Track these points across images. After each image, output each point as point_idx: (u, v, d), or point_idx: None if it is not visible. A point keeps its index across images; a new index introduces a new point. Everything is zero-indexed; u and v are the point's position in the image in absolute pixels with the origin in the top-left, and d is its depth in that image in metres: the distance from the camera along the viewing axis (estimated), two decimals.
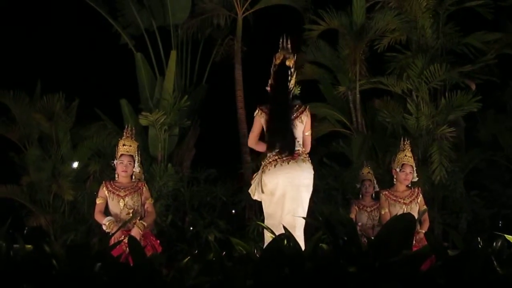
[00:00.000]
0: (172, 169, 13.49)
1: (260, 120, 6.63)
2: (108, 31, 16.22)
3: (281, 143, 6.40)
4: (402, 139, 8.21)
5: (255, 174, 6.72)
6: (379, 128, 14.12)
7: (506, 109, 14.59)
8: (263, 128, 6.70)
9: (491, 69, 13.77)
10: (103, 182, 7.32)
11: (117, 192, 7.07)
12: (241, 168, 14.96)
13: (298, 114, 6.53)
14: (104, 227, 6.91)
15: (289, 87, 6.57)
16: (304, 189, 6.40)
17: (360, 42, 13.84)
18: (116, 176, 7.27)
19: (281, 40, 6.73)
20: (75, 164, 14.36)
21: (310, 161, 6.49)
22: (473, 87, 13.21)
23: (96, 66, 16.85)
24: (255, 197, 6.57)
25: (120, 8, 16.15)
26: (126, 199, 7.04)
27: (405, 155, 7.92)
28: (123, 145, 7.24)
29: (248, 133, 14.93)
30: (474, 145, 14.18)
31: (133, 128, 7.60)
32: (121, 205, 7.01)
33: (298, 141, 6.48)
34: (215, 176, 14.08)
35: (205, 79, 16.41)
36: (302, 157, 6.40)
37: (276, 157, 6.38)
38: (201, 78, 16.43)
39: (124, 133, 7.38)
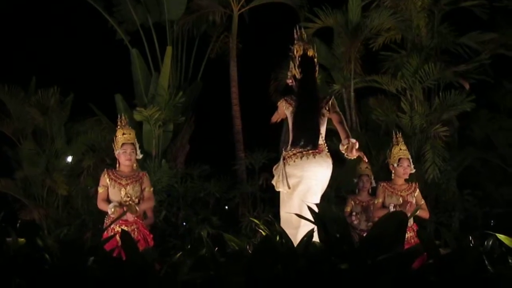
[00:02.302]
0: (166, 165, 13.51)
1: (283, 109, 6.50)
2: (103, 27, 16.22)
3: (307, 137, 6.28)
4: (394, 133, 8.18)
5: (276, 165, 6.49)
6: (373, 127, 14.14)
7: (499, 108, 14.65)
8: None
9: (485, 69, 13.78)
10: (105, 170, 7.25)
11: (119, 181, 7.05)
12: (235, 165, 14.99)
13: (323, 105, 6.44)
14: (110, 212, 6.91)
15: (316, 78, 6.54)
16: (325, 185, 6.35)
17: (355, 40, 13.85)
18: (118, 165, 7.25)
19: (295, 31, 6.62)
20: (69, 159, 14.36)
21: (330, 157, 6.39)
22: (467, 86, 13.24)
23: (91, 61, 16.85)
24: (280, 189, 6.36)
25: (116, 3, 16.15)
26: (128, 188, 7.02)
27: (400, 149, 7.88)
28: (123, 134, 7.21)
29: (242, 130, 15.06)
30: (467, 144, 14.22)
31: (126, 117, 7.56)
32: (122, 193, 7.00)
33: (321, 135, 6.39)
34: (209, 172, 14.11)
35: (200, 76, 16.42)
36: (325, 152, 6.33)
37: (301, 149, 6.25)
38: (196, 75, 16.44)
39: (119, 123, 7.34)
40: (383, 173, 9.55)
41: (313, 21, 14.17)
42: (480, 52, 13.61)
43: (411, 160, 7.93)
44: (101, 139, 13.96)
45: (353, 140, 6.06)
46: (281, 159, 6.39)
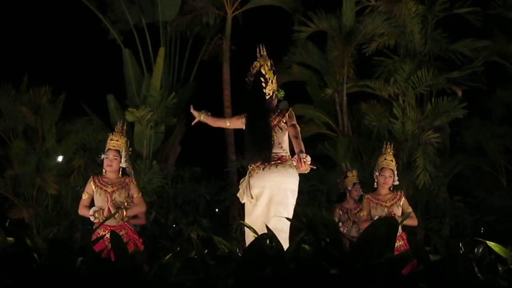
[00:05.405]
0: (157, 166, 13.48)
1: (241, 119, 6.70)
2: (96, 26, 16.18)
3: (255, 152, 6.44)
4: (385, 143, 8.21)
5: (242, 179, 6.65)
6: (365, 132, 14.15)
7: (491, 116, 14.66)
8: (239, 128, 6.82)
9: (478, 76, 13.84)
10: (91, 176, 7.23)
11: (105, 188, 7.02)
12: (226, 167, 14.98)
13: (280, 118, 6.51)
14: (92, 218, 6.90)
15: (266, 94, 6.56)
16: (290, 194, 6.39)
17: (349, 45, 13.87)
18: (104, 171, 7.22)
19: (258, 49, 6.70)
20: (60, 158, 14.28)
21: (296, 167, 6.40)
22: (460, 93, 13.28)
23: (83, 60, 16.78)
24: (244, 200, 6.53)
25: (109, 3, 16.12)
26: (114, 195, 6.99)
27: (385, 159, 7.90)
28: (111, 139, 7.21)
29: (234, 133, 15.10)
30: (458, 151, 14.23)
31: (125, 124, 7.55)
32: (108, 200, 6.96)
33: (282, 147, 6.48)
34: (199, 174, 14.10)
35: (192, 77, 16.40)
36: (289, 163, 6.39)
37: (264, 162, 6.38)
38: (188, 76, 16.41)
39: (115, 129, 7.35)
40: (373, 179, 9.50)
41: (306, 25, 14.19)
42: (473, 59, 13.68)
43: (395, 172, 7.91)
44: (92, 139, 13.89)
45: (303, 155, 6.13)
46: (247, 172, 6.56)
